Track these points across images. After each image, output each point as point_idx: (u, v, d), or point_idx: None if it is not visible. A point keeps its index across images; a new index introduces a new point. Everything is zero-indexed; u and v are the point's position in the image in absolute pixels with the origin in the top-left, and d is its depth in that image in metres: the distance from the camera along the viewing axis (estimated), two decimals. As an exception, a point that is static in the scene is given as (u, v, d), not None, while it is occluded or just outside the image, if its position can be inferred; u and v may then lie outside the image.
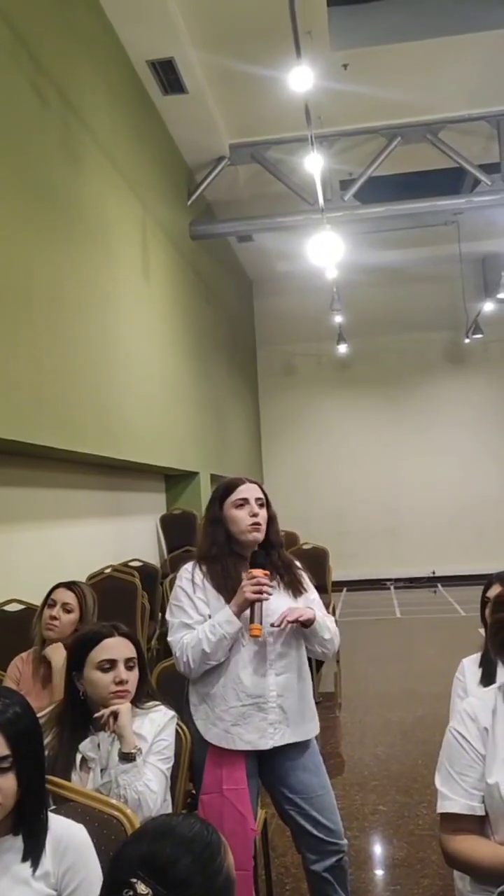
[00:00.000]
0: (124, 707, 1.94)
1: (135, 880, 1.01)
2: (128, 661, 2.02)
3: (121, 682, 1.98)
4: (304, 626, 2.30)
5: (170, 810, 2.02)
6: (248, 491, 2.36)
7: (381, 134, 7.81)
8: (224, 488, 2.40)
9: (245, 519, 2.33)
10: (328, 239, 6.84)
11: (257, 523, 2.33)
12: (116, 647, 2.02)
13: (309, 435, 12.78)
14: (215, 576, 2.32)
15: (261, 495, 2.38)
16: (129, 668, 2.02)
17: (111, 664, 1.99)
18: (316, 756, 2.35)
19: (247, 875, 2.16)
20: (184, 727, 2.22)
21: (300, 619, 2.25)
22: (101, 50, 5.55)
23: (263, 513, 2.36)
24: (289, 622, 2.24)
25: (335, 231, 7.02)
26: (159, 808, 1.90)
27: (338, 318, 10.98)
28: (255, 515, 2.33)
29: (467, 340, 12.01)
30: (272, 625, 2.25)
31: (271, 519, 2.40)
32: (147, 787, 1.88)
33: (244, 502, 2.34)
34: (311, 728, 2.33)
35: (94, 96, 5.25)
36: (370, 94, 7.00)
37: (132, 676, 2.02)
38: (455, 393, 12.58)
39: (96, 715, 1.96)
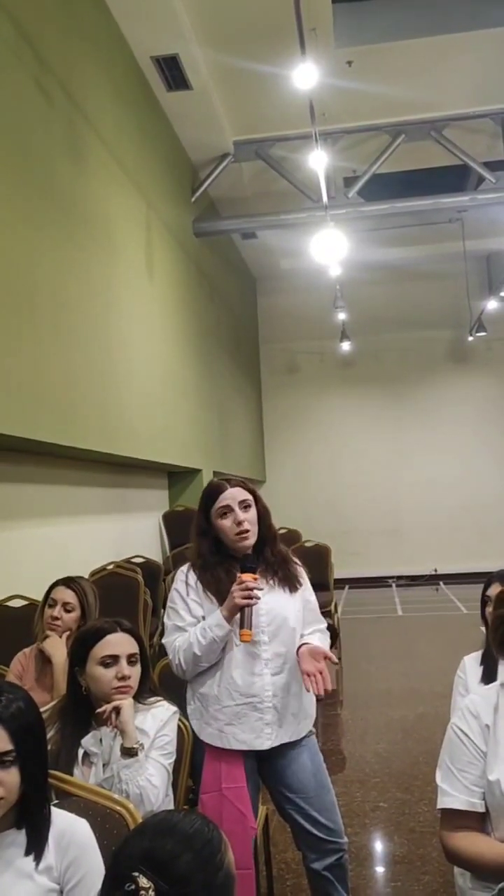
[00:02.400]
0: (126, 702, 1.95)
1: (137, 875, 1.02)
2: (130, 656, 2.03)
3: (123, 678, 1.98)
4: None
5: (172, 806, 2.03)
6: (231, 497, 2.29)
7: (386, 131, 7.80)
8: (207, 496, 2.33)
9: (231, 528, 2.27)
10: (332, 236, 6.84)
11: (244, 531, 2.27)
12: (119, 643, 2.02)
13: (311, 433, 12.78)
14: (208, 585, 2.30)
15: (245, 497, 2.31)
16: (132, 664, 2.03)
17: (113, 660, 2.00)
18: (316, 755, 2.35)
19: (248, 874, 2.16)
20: (185, 723, 2.23)
21: (321, 691, 2.19)
22: (106, 46, 5.55)
23: (251, 514, 2.30)
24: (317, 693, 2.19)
25: (339, 228, 7.02)
26: (161, 802, 1.91)
27: (341, 316, 10.98)
28: (240, 524, 2.27)
29: (471, 339, 12.00)
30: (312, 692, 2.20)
31: (261, 514, 2.34)
32: (149, 782, 1.89)
33: (227, 510, 2.28)
34: (304, 726, 2.32)
35: (98, 93, 5.25)
36: (374, 92, 6.99)
37: (134, 672, 2.03)
38: (458, 391, 12.57)
39: (98, 710, 1.97)
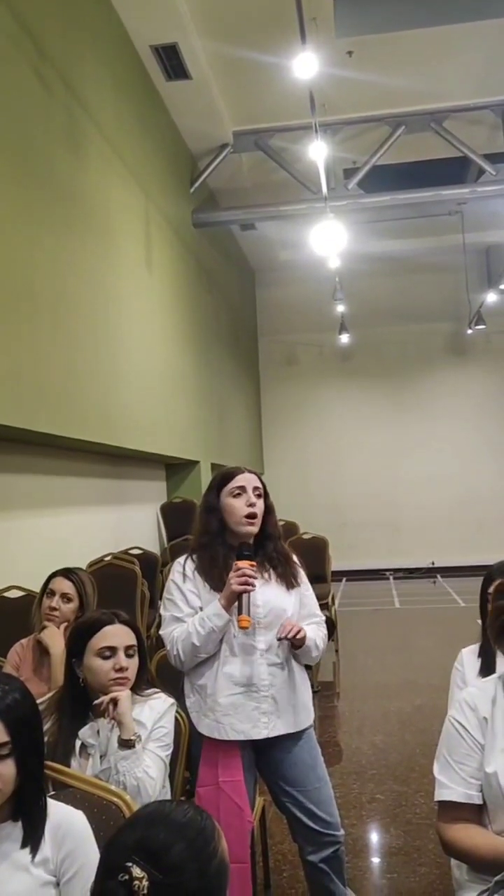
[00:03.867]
0: (124, 694, 1.95)
1: (130, 864, 1.01)
2: (128, 648, 2.02)
3: (121, 670, 1.98)
4: (293, 647, 2.28)
5: (169, 797, 2.03)
6: (246, 480, 2.34)
7: (386, 122, 7.76)
8: (222, 477, 2.38)
9: (241, 508, 2.30)
10: (331, 228, 6.81)
11: (253, 514, 2.30)
12: (117, 635, 2.02)
13: (310, 425, 12.77)
14: (205, 566, 2.31)
15: (259, 485, 2.35)
16: (129, 656, 2.02)
17: (111, 651, 2.00)
18: (313, 748, 2.35)
19: (244, 868, 2.16)
20: (183, 715, 2.22)
21: (292, 636, 2.22)
22: (105, 36, 5.51)
23: (261, 503, 2.34)
24: (284, 637, 2.22)
25: (338, 220, 7.00)
26: (158, 794, 1.91)
27: (340, 308, 10.96)
28: (251, 506, 2.30)
29: (469, 331, 11.99)
30: (277, 638, 2.24)
31: (268, 510, 2.38)
32: (146, 774, 1.88)
33: (241, 491, 2.31)
34: (303, 719, 2.31)
35: (97, 83, 5.21)
36: (375, 82, 6.96)
37: (132, 664, 2.02)
38: (456, 384, 12.56)
39: (96, 702, 1.96)
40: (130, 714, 1.94)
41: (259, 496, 2.34)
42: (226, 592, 2.20)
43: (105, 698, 1.94)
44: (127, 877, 1.00)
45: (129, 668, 2.00)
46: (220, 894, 1.08)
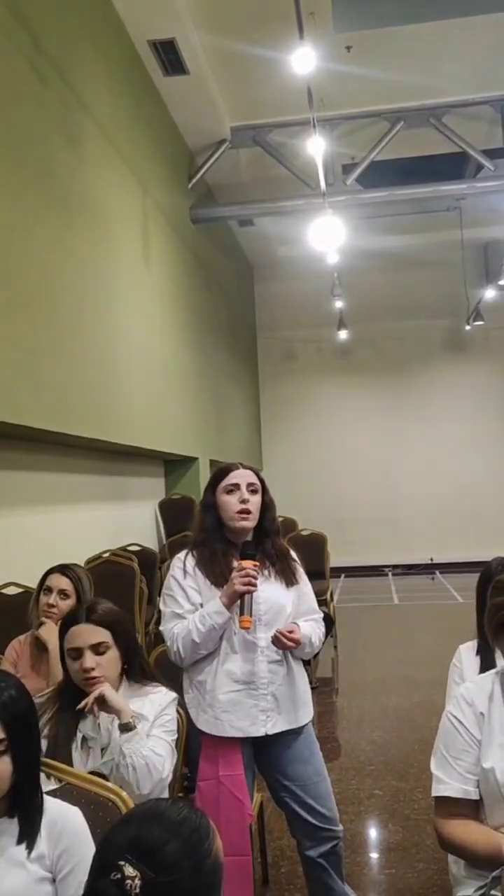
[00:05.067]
0: (105, 687, 1.92)
1: (123, 863, 1.01)
2: (95, 646, 1.98)
3: (86, 671, 1.94)
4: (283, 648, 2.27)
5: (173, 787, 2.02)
6: (240, 476, 2.33)
7: (384, 118, 7.75)
8: (217, 473, 2.38)
9: (234, 505, 2.29)
10: (330, 223, 6.80)
11: (246, 510, 2.29)
12: (80, 635, 1.98)
13: (308, 421, 12.77)
14: (204, 563, 2.30)
15: (254, 481, 2.34)
16: (100, 653, 1.98)
17: (77, 653, 1.97)
18: (312, 744, 2.34)
19: (245, 861, 2.16)
20: (182, 711, 2.22)
21: (287, 642, 2.21)
22: (102, 29, 5.49)
23: (255, 499, 2.33)
24: (282, 644, 2.21)
25: (337, 216, 6.98)
26: (168, 772, 1.89)
27: (338, 304, 10.95)
28: (244, 502, 2.29)
29: (468, 327, 11.97)
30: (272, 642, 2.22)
31: (267, 506, 2.37)
32: (152, 752, 1.87)
33: (234, 488, 2.31)
34: (303, 715, 2.31)
35: (94, 77, 5.20)
36: (373, 77, 6.94)
37: (103, 661, 1.98)
38: (455, 380, 12.56)
39: (79, 706, 1.93)
40: (120, 699, 1.92)
41: (254, 492, 2.33)
42: (228, 591, 2.19)
43: (88, 700, 1.91)
44: (119, 875, 1.00)
45: (95, 668, 1.95)
46: (213, 893, 1.07)
